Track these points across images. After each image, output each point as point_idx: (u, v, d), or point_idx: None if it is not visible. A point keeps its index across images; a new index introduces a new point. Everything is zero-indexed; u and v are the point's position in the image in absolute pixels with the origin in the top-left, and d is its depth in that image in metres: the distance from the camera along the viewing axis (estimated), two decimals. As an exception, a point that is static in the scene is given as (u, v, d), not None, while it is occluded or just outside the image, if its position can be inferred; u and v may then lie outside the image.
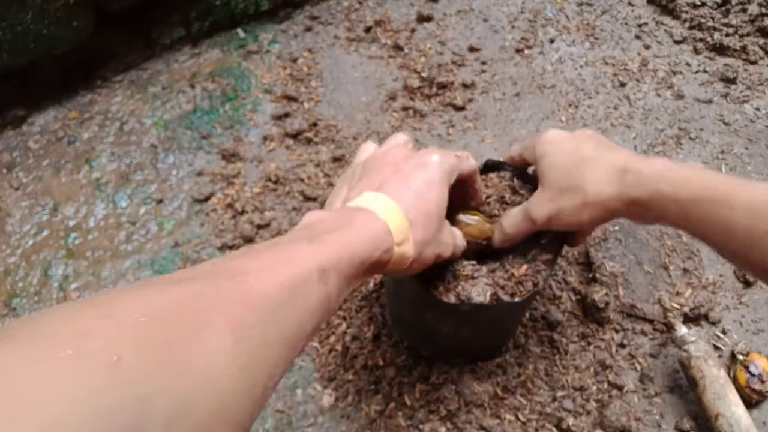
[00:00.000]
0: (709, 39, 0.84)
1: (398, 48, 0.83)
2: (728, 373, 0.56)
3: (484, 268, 0.47)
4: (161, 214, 0.69)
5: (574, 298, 0.62)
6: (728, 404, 0.51)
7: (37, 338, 0.19)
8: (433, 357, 0.58)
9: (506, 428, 0.54)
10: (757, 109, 0.78)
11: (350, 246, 0.33)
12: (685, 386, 0.57)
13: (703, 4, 0.86)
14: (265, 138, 0.74)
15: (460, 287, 0.45)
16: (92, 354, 0.19)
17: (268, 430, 0.55)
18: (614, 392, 0.57)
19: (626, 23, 0.87)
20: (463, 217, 0.46)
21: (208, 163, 0.72)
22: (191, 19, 0.82)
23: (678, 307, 0.60)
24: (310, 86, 0.80)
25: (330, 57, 0.83)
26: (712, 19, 0.85)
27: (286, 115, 0.76)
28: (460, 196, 0.47)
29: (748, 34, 0.83)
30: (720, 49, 0.83)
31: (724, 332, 0.60)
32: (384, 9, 0.88)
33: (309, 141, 0.74)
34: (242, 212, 0.68)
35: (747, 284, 0.63)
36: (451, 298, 0.45)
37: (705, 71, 0.82)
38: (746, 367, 0.55)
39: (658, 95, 0.79)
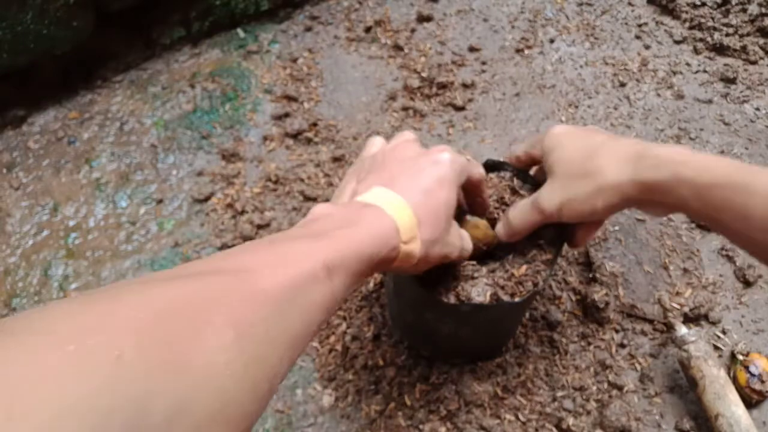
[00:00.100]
0: (709, 39, 0.84)
1: (398, 48, 0.83)
2: (728, 373, 0.56)
3: (484, 269, 0.47)
4: (161, 214, 0.69)
5: (574, 298, 0.62)
6: (728, 404, 0.51)
7: (37, 334, 0.19)
8: (433, 357, 0.58)
9: (506, 428, 0.54)
10: (757, 109, 0.78)
11: (357, 243, 0.32)
12: (685, 386, 0.57)
13: (703, 4, 0.86)
14: (265, 138, 0.74)
15: (460, 287, 0.45)
16: (93, 351, 0.19)
17: (268, 430, 0.55)
18: (614, 392, 0.57)
19: (626, 23, 0.87)
20: (470, 219, 0.46)
21: (208, 163, 0.72)
22: (191, 19, 0.82)
23: (678, 307, 0.60)
24: (310, 86, 0.80)
25: (330, 57, 0.83)
26: (712, 19, 0.85)
27: (286, 115, 0.76)
28: (467, 204, 0.46)
29: (748, 34, 0.83)
30: (720, 49, 0.83)
31: (724, 332, 0.60)
32: (384, 9, 0.88)
33: (309, 141, 0.74)
34: (242, 212, 0.68)
35: (747, 284, 0.63)
36: (451, 298, 0.45)
37: (705, 71, 0.82)
38: (746, 367, 0.55)
39: (658, 95, 0.79)
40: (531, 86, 0.80)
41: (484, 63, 0.82)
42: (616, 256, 0.65)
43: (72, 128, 0.75)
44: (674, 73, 0.81)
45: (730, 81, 0.80)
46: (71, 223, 0.68)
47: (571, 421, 0.54)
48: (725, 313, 0.61)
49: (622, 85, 0.80)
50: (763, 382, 0.54)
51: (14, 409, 0.16)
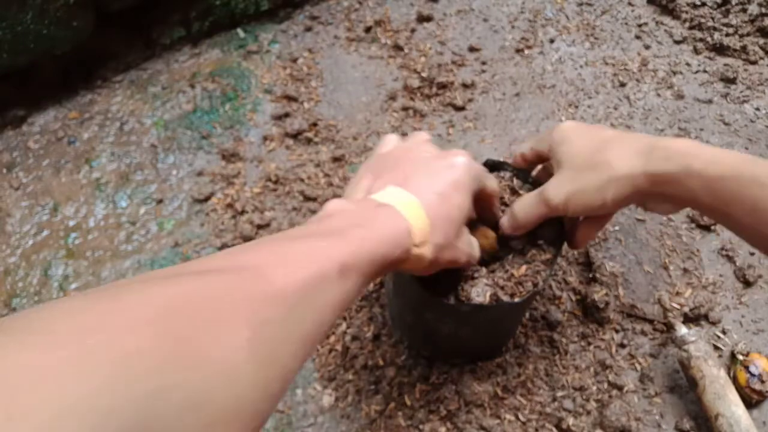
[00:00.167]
0: (709, 39, 0.84)
1: (398, 48, 0.83)
2: (728, 373, 0.56)
3: (484, 269, 0.47)
4: (161, 214, 0.69)
5: (574, 298, 0.62)
6: (728, 404, 0.51)
7: (36, 333, 0.19)
8: (433, 357, 0.58)
9: (506, 428, 0.54)
10: (757, 109, 0.78)
11: (371, 244, 0.32)
12: (685, 386, 0.57)
13: (703, 4, 0.86)
14: (265, 138, 0.74)
15: (459, 287, 0.45)
16: (93, 351, 0.19)
17: (268, 430, 0.55)
18: (614, 392, 0.57)
19: (626, 23, 0.87)
20: (480, 227, 0.46)
21: (208, 163, 0.72)
22: (191, 19, 0.82)
23: (678, 307, 0.60)
24: (310, 86, 0.80)
25: (330, 57, 0.83)
26: (712, 19, 0.85)
27: (286, 115, 0.76)
28: (477, 212, 0.46)
29: (748, 34, 0.83)
30: (720, 49, 0.83)
31: (724, 332, 0.60)
32: (384, 9, 0.88)
33: (309, 141, 0.74)
34: (242, 212, 0.68)
35: (747, 284, 0.63)
36: (451, 299, 0.45)
37: (705, 71, 0.82)
38: (746, 367, 0.55)
39: (658, 95, 0.79)
40: (531, 86, 0.80)
41: (484, 63, 0.82)
42: (616, 256, 0.65)
43: (72, 128, 0.75)
44: (674, 73, 0.81)
45: (730, 81, 0.80)
46: (71, 223, 0.68)
47: (571, 421, 0.54)
48: (725, 313, 0.61)
49: (622, 85, 0.80)
50: (763, 382, 0.54)
51: (14, 409, 0.16)
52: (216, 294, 0.24)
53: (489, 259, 0.47)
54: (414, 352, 0.58)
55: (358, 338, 0.59)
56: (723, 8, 0.85)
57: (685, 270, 0.64)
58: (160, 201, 0.69)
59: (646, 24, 0.87)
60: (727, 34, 0.84)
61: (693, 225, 0.67)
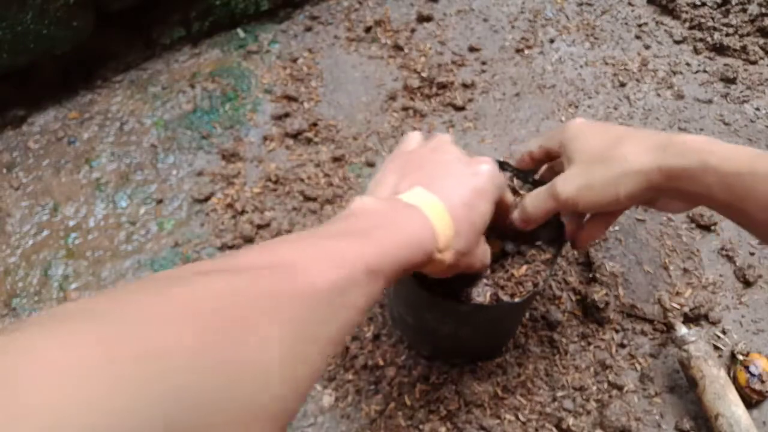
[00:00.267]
0: (709, 39, 0.84)
1: (398, 48, 0.83)
2: (728, 373, 0.56)
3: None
4: (161, 214, 0.69)
5: (574, 298, 0.62)
6: (728, 404, 0.51)
7: (101, 322, 0.19)
8: (433, 357, 0.58)
9: (506, 428, 0.54)
10: (757, 109, 0.78)
11: (398, 247, 0.32)
12: (685, 386, 0.57)
13: (703, 4, 0.86)
14: (265, 138, 0.74)
15: (459, 287, 0.45)
16: (144, 343, 0.19)
17: (268, 430, 0.55)
18: (614, 392, 0.57)
19: (626, 23, 0.87)
20: (491, 237, 0.46)
21: (208, 163, 0.72)
22: (191, 19, 0.82)
23: (678, 307, 0.60)
24: (310, 86, 0.80)
25: (330, 57, 0.83)
26: (712, 19, 0.85)
27: (286, 115, 0.76)
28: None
29: (748, 34, 0.83)
30: (720, 49, 0.83)
31: (724, 332, 0.60)
32: (384, 9, 0.88)
33: (309, 141, 0.74)
34: (242, 212, 0.68)
35: (747, 284, 0.63)
36: (451, 299, 0.45)
37: (705, 71, 0.82)
38: (746, 367, 0.55)
39: (658, 95, 0.79)
40: (531, 86, 0.80)
41: (484, 63, 0.82)
42: (616, 256, 0.65)
43: (72, 128, 0.75)
44: (674, 73, 0.81)
45: (730, 81, 0.80)
46: (71, 223, 0.68)
47: (571, 421, 0.54)
48: (725, 313, 0.61)
49: (622, 85, 0.80)
50: (763, 382, 0.54)
51: (80, 394, 0.17)
52: (250, 293, 0.24)
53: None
54: (414, 352, 0.58)
55: (358, 338, 0.59)
56: (723, 8, 0.85)
57: (685, 270, 0.64)
58: (160, 201, 0.69)
59: (646, 24, 0.87)
60: (727, 34, 0.84)
61: (693, 225, 0.67)
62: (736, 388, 0.54)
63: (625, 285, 0.62)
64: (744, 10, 0.84)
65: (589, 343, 0.59)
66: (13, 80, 0.73)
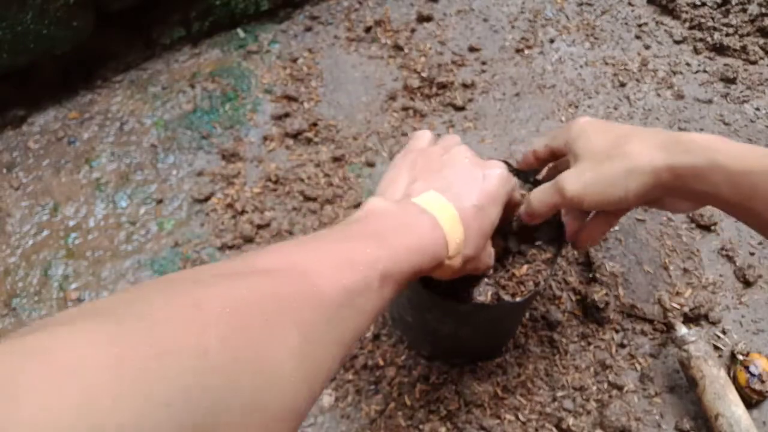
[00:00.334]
0: (709, 39, 0.84)
1: (398, 48, 0.83)
2: (728, 373, 0.56)
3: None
4: (161, 214, 0.69)
5: (574, 298, 0.62)
6: (728, 404, 0.51)
7: (133, 323, 0.20)
8: (433, 357, 0.58)
9: (506, 428, 0.54)
10: (757, 109, 0.78)
11: (410, 254, 0.32)
12: (685, 386, 0.57)
13: (703, 4, 0.86)
14: (265, 138, 0.74)
15: (460, 287, 0.45)
16: (184, 343, 0.20)
17: (268, 430, 0.55)
18: (614, 392, 0.57)
19: (626, 23, 0.87)
20: (494, 235, 0.46)
21: (208, 163, 0.72)
22: (191, 19, 0.82)
23: (678, 307, 0.60)
24: (310, 86, 0.80)
25: (330, 57, 0.83)
26: (712, 19, 0.85)
27: (286, 115, 0.76)
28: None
29: (748, 34, 0.83)
30: (720, 49, 0.83)
31: (724, 332, 0.60)
32: (384, 9, 0.88)
33: (309, 141, 0.74)
34: (242, 212, 0.68)
35: (747, 284, 0.63)
36: (451, 298, 0.45)
37: (705, 71, 0.82)
38: (746, 367, 0.55)
39: (658, 95, 0.79)
40: (531, 86, 0.80)
41: (484, 63, 0.82)
42: (616, 256, 0.65)
43: (72, 128, 0.75)
44: (674, 73, 0.81)
45: (730, 81, 0.80)
46: (71, 223, 0.68)
47: (571, 421, 0.54)
48: (725, 313, 0.61)
49: (622, 85, 0.80)
50: (763, 382, 0.54)
51: (111, 394, 0.17)
52: (269, 297, 0.24)
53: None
54: (414, 352, 0.58)
55: (358, 338, 0.59)
56: (723, 8, 0.85)
57: (685, 270, 0.64)
58: (160, 201, 0.69)
59: (646, 24, 0.87)
60: (727, 34, 0.84)
61: (693, 225, 0.67)
62: (736, 388, 0.54)
63: (625, 285, 0.62)
64: (744, 10, 0.84)
65: (589, 343, 0.59)
66: (13, 80, 0.73)
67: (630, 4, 0.90)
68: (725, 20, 0.84)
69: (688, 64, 0.82)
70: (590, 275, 0.63)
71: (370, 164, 0.72)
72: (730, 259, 0.65)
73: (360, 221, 0.34)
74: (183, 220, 0.68)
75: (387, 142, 0.74)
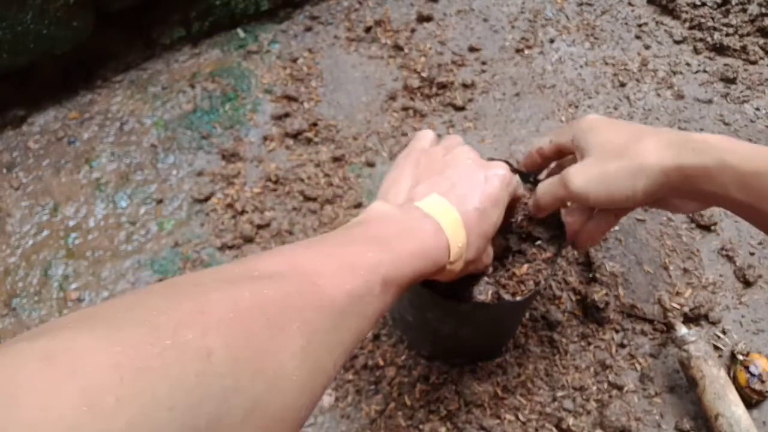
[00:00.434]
0: (709, 39, 0.84)
1: (398, 48, 0.83)
2: (728, 373, 0.56)
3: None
4: (161, 214, 0.69)
5: (574, 298, 0.62)
6: (728, 404, 0.51)
7: (136, 325, 0.20)
8: (433, 357, 0.58)
9: (506, 428, 0.54)
10: (757, 109, 0.78)
11: (412, 259, 0.32)
12: (685, 386, 0.57)
13: (703, 4, 0.86)
14: (265, 138, 0.74)
15: (460, 286, 0.45)
16: (187, 346, 0.20)
17: (268, 430, 0.55)
18: (614, 392, 0.57)
19: (626, 23, 0.87)
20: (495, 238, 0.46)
21: (208, 163, 0.72)
22: (191, 19, 0.82)
23: (678, 307, 0.60)
24: (310, 86, 0.80)
25: (330, 57, 0.83)
26: (712, 19, 0.85)
27: (286, 115, 0.76)
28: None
29: (748, 34, 0.83)
30: (720, 49, 0.83)
31: (724, 332, 0.60)
32: (384, 9, 0.88)
33: (309, 141, 0.74)
34: (242, 212, 0.68)
35: (747, 284, 0.63)
36: (452, 298, 0.45)
37: (705, 71, 0.82)
38: (746, 367, 0.55)
39: (658, 95, 0.79)
40: (531, 86, 0.80)
41: (484, 63, 0.82)
42: (616, 256, 0.65)
43: (72, 128, 0.75)
44: (674, 73, 0.81)
45: (730, 81, 0.80)
46: (71, 223, 0.68)
47: (571, 421, 0.54)
48: (725, 313, 0.61)
49: (622, 85, 0.80)
50: (763, 382, 0.54)
51: (106, 399, 0.17)
52: (272, 300, 0.24)
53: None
54: (414, 352, 0.58)
55: (360, 341, 0.59)
56: (723, 8, 0.85)
57: (685, 270, 0.64)
58: (160, 201, 0.69)
59: (646, 24, 0.87)
60: (727, 34, 0.84)
61: (693, 225, 0.67)
62: (736, 388, 0.54)
63: (625, 285, 0.62)
64: (744, 10, 0.84)
65: (589, 343, 0.59)
66: (13, 80, 0.73)
67: (630, 4, 0.90)
68: (725, 20, 0.84)
69: (688, 64, 0.82)
70: (590, 275, 0.63)
71: (370, 164, 0.72)
72: (730, 259, 0.65)
73: (362, 225, 0.34)
74: (183, 220, 0.68)
75: (387, 142, 0.74)
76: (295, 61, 0.82)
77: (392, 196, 0.39)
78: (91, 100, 0.78)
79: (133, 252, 0.66)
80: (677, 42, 0.85)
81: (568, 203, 0.46)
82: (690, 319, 0.60)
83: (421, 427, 0.54)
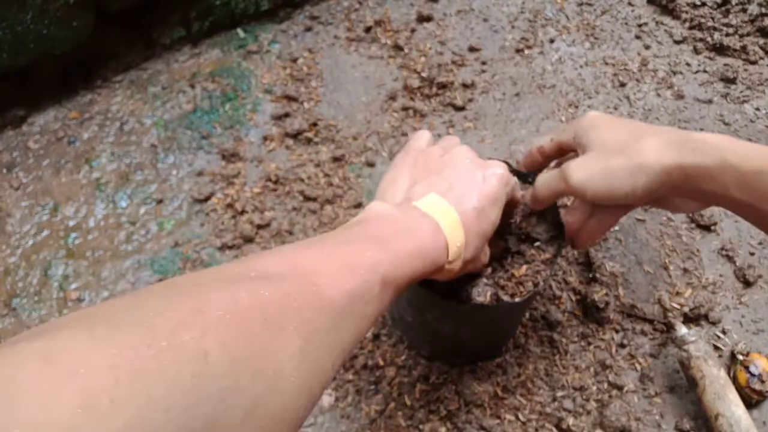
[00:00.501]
0: (709, 39, 0.84)
1: (398, 48, 0.83)
2: (728, 373, 0.56)
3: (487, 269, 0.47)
4: (161, 214, 0.69)
5: (574, 298, 0.62)
6: (728, 404, 0.51)
7: (133, 326, 0.20)
8: (433, 357, 0.58)
9: (506, 428, 0.54)
10: (757, 109, 0.78)
11: (411, 258, 0.32)
12: (685, 386, 0.57)
13: (703, 4, 0.86)
14: (265, 138, 0.74)
15: (460, 287, 0.45)
16: (184, 347, 0.20)
17: (268, 430, 0.55)
18: (614, 392, 0.57)
19: (626, 23, 0.87)
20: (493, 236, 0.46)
21: (208, 163, 0.72)
22: (191, 19, 0.82)
23: (678, 307, 0.60)
24: (310, 86, 0.80)
25: (330, 57, 0.83)
26: (712, 19, 0.85)
27: (286, 115, 0.76)
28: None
29: (748, 34, 0.83)
30: (720, 49, 0.83)
31: (724, 332, 0.60)
32: (384, 9, 0.88)
33: (309, 141, 0.74)
34: (242, 212, 0.68)
35: (747, 284, 0.63)
36: (451, 298, 0.45)
37: (705, 71, 0.82)
38: (746, 367, 0.55)
39: (658, 95, 0.79)
40: (531, 86, 0.80)
41: (484, 63, 0.82)
42: (616, 256, 0.65)
43: (72, 128, 0.75)
44: (674, 73, 0.81)
45: (730, 81, 0.80)
46: (71, 223, 0.68)
47: (571, 421, 0.54)
48: (725, 313, 0.61)
49: (622, 85, 0.80)
50: (763, 382, 0.54)
51: (102, 400, 0.17)
52: (270, 300, 0.24)
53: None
54: (414, 352, 0.58)
55: (359, 341, 0.59)
56: (723, 8, 0.85)
57: (685, 270, 0.64)
58: (160, 201, 0.69)
59: (646, 24, 0.87)
60: (727, 34, 0.83)
61: (693, 225, 0.67)
62: (736, 388, 0.54)
63: (625, 285, 0.62)
64: (744, 10, 0.84)
65: (589, 343, 0.59)
66: (13, 80, 0.73)
67: (630, 4, 0.90)
68: (725, 20, 0.84)
69: (688, 64, 0.82)
70: (590, 275, 0.63)
71: (370, 164, 0.72)
72: (730, 259, 0.65)
73: (361, 224, 0.34)
74: (183, 220, 0.68)
75: (387, 142, 0.74)
76: (295, 61, 0.82)
77: (390, 196, 0.39)
78: (91, 100, 0.78)
79: (133, 252, 0.66)
80: (677, 42, 0.85)
81: (568, 203, 0.46)
82: (690, 319, 0.60)
83: (421, 427, 0.54)
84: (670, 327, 0.58)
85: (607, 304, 0.59)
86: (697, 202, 0.44)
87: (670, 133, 0.40)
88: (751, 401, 0.55)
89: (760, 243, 0.66)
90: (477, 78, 0.80)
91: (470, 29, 0.86)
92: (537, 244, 0.47)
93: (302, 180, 0.70)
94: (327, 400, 0.56)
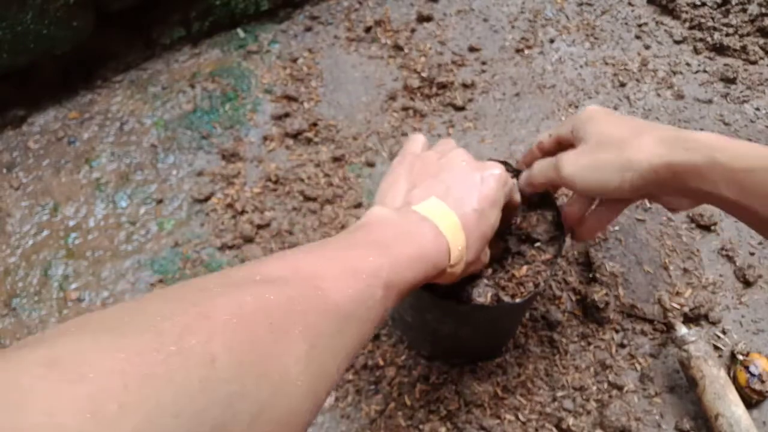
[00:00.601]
0: (709, 39, 0.84)
1: (398, 48, 0.83)
2: (728, 373, 0.56)
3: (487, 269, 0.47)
4: (161, 214, 0.69)
5: (574, 298, 0.62)
6: (728, 404, 0.51)
7: (140, 331, 0.20)
8: (433, 357, 0.58)
9: (506, 428, 0.54)
10: (757, 109, 0.78)
11: (412, 263, 0.32)
12: (685, 386, 0.57)
13: (703, 4, 0.86)
14: (265, 138, 0.74)
15: (460, 287, 0.45)
16: (191, 352, 0.20)
17: (268, 430, 0.55)
18: (614, 392, 0.57)
19: (626, 23, 0.87)
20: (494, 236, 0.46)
21: (208, 163, 0.72)
22: (191, 19, 0.82)
23: (678, 307, 0.60)
24: (310, 86, 0.80)
25: (330, 57, 0.83)
26: (712, 19, 0.85)
27: (286, 115, 0.76)
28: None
29: (748, 34, 0.83)
30: (720, 49, 0.83)
31: (724, 332, 0.60)
32: (384, 9, 0.88)
33: (309, 141, 0.74)
34: (242, 212, 0.68)
35: (747, 284, 0.63)
36: (451, 299, 0.45)
37: (705, 71, 0.82)
38: (746, 367, 0.55)
39: (658, 95, 0.79)
40: (531, 86, 0.80)
41: (484, 63, 0.82)
42: (616, 256, 0.65)
43: (72, 128, 0.75)
44: (674, 73, 0.81)
45: (730, 81, 0.80)
46: (71, 223, 0.68)
47: (571, 421, 0.54)
48: (725, 313, 0.61)
49: (622, 85, 0.80)
50: (763, 382, 0.54)
51: (110, 405, 0.17)
52: (275, 305, 0.24)
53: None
54: (414, 352, 0.58)
55: (362, 345, 0.59)
56: (723, 8, 0.85)
57: (685, 270, 0.64)
58: (160, 201, 0.69)
59: (646, 24, 0.87)
60: (727, 34, 0.83)
61: (693, 225, 0.67)
62: (736, 388, 0.54)
63: (625, 285, 0.62)
64: (744, 10, 0.84)
65: (589, 343, 0.59)
66: (13, 80, 0.73)
67: (630, 4, 0.90)
68: (725, 20, 0.84)
69: (688, 64, 0.82)
70: (590, 275, 0.63)
71: (370, 164, 0.72)
72: (730, 259, 0.65)
73: (363, 229, 0.34)
74: (183, 220, 0.68)
75: (387, 142, 0.74)
76: (295, 61, 0.82)
77: (389, 201, 0.39)
78: (91, 100, 0.78)
79: (133, 252, 0.66)
80: (677, 42, 0.85)
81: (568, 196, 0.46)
82: (690, 319, 0.60)
83: (421, 427, 0.54)
84: (670, 327, 0.58)
85: (607, 304, 0.59)
86: (688, 199, 0.44)
87: (664, 130, 0.41)
88: (751, 401, 0.55)
89: (760, 243, 0.66)
90: (477, 78, 0.80)
91: (470, 29, 0.86)
92: (537, 244, 0.47)
93: (302, 180, 0.70)
94: (327, 400, 0.56)
